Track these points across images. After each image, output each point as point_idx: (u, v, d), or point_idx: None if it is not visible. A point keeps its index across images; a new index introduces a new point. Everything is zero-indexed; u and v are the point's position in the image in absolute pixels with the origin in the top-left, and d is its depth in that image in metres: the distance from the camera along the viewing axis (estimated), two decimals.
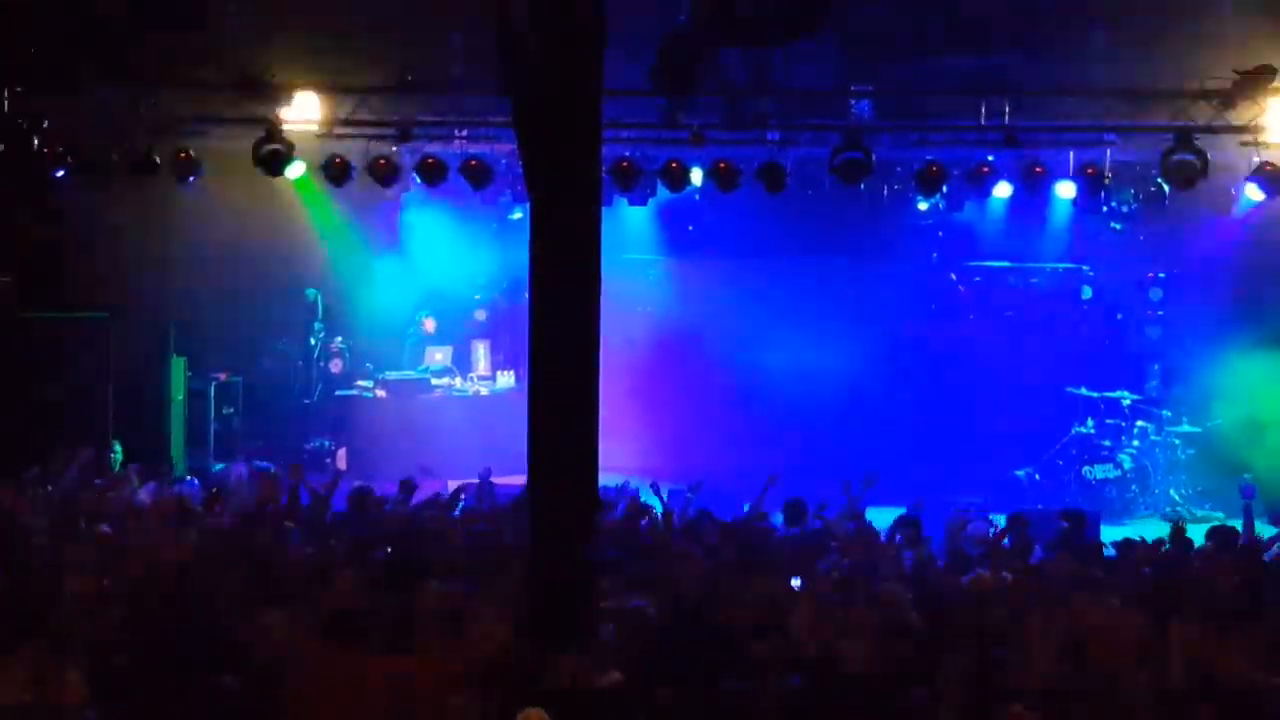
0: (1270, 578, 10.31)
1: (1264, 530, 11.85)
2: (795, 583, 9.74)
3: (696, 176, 16.31)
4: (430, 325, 19.89)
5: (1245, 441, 17.26)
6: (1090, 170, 15.81)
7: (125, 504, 12.06)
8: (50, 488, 12.33)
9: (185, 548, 10.23)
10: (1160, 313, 19.25)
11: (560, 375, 8.51)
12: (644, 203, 17.03)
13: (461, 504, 12.31)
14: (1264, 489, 16.88)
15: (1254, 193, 16.11)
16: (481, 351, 19.96)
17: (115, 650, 8.14)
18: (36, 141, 15.55)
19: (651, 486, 12.96)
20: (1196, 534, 11.66)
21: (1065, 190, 16.41)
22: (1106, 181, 16.07)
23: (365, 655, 7.66)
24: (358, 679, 7.51)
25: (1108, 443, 17.86)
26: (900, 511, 12.03)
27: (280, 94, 15.15)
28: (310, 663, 7.63)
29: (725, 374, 19.12)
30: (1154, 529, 11.71)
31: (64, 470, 12.73)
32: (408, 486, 12.58)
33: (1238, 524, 12.00)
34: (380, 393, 19.11)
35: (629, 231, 18.56)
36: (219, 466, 15.16)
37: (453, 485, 12.93)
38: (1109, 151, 16.05)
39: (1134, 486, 17.46)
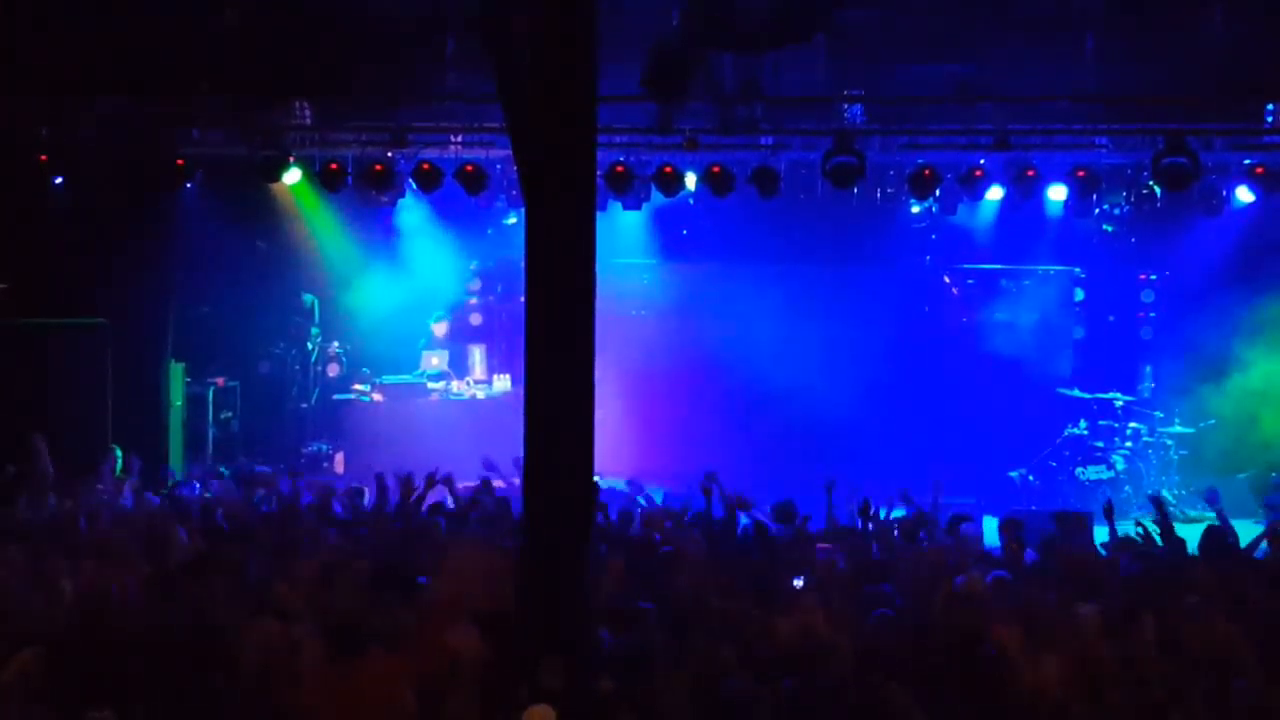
0: (1262, 575, 10.37)
1: (1243, 529, 11.92)
2: (798, 583, 9.79)
3: (691, 181, 16.40)
4: (441, 330, 19.99)
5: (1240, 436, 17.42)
6: (1082, 173, 15.90)
7: (124, 508, 12.09)
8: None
9: (183, 551, 10.28)
10: (1152, 314, 19.38)
11: (556, 379, 8.56)
12: (638, 207, 17.09)
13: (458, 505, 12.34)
14: (1261, 483, 17.05)
15: (1245, 195, 16.24)
16: (478, 355, 20.05)
17: (110, 656, 8.16)
18: (34, 149, 15.63)
19: (636, 487, 13.05)
20: (1189, 534, 11.71)
21: (1057, 193, 16.50)
22: (1098, 184, 16.16)
23: (362, 660, 7.68)
24: (354, 684, 7.55)
25: (1100, 444, 17.93)
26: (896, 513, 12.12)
27: (276, 100, 15.21)
28: (307, 669, 7.66)
29: (719, 377, 19.17)
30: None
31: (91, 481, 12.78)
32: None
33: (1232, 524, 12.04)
34: (377, 397, 19.21)
35: (623, 236, 18.63)
36: (225, 471, 15.25)
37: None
38: (1100, 154, 16.17)
39: (1127, 487, 17.52)
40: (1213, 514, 11.83)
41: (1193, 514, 16.71)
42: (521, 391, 8.71)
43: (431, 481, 12.10)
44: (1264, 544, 11.34)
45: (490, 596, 8.28)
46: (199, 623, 8.51)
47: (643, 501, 12.48)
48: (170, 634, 8.38)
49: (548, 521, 8.54)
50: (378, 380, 19.39)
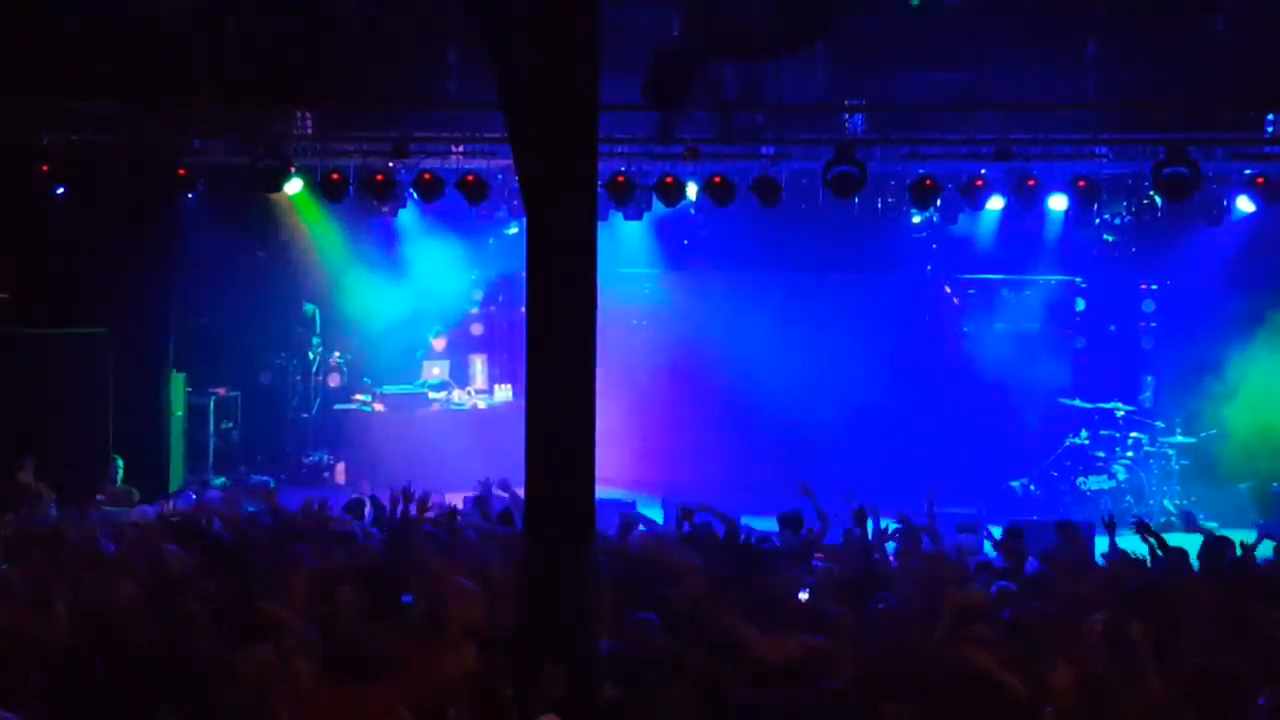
0: (1261, 586, 10.34)
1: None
2: (803, 595, 9.76)
3: (692, 191, 16.42)
4: (440, 345, 19.99)
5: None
6: (1082, 183, 15.90)
7: (123, 520, 12.05)
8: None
9: (178, 565, 10.23)
10: (1153, 324, 19.37)
11: (557, 389, 8.55)
12: (639, 217, 17.10)
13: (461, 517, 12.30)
14: (1261, 494, 17.04)
15: (1245, 204, 16.25)
16: (479, 365, 20.05)
17: (107, 672, 8.12)
18: (35, 158, 15.64)
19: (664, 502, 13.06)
20: (1191, 544, 11.68)
21: (1058, 203, 16.51)
22: (1099, 194, 16.17)
23: (360, 679, 7.65)
24: (351, 704, 7.53)
25: (1102, 454, 17.92)
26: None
27: (277, 109, 15.22)
28: (302, 689, 7.63)
29: (721, 387, 19.15)
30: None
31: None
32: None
33: (1231, 534, 12.02)
34: (378, 406, 19.20)
35: (625, 246, 18.62)
36: (219, 481, 15.22)
37: (450, 499, 12.94)
38: (1101, 164, 16.17)
39: (1128, 497, 17.51)
40: (1214, 524, 11.81)
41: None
42: (523, 402, 8.71)
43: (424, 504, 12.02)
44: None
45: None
46: (196, 638, 8.49)
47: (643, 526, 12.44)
48: (167, 650, 8.37)
49: (549, 529, 8.53)
50: (379, 390, 19.39)
